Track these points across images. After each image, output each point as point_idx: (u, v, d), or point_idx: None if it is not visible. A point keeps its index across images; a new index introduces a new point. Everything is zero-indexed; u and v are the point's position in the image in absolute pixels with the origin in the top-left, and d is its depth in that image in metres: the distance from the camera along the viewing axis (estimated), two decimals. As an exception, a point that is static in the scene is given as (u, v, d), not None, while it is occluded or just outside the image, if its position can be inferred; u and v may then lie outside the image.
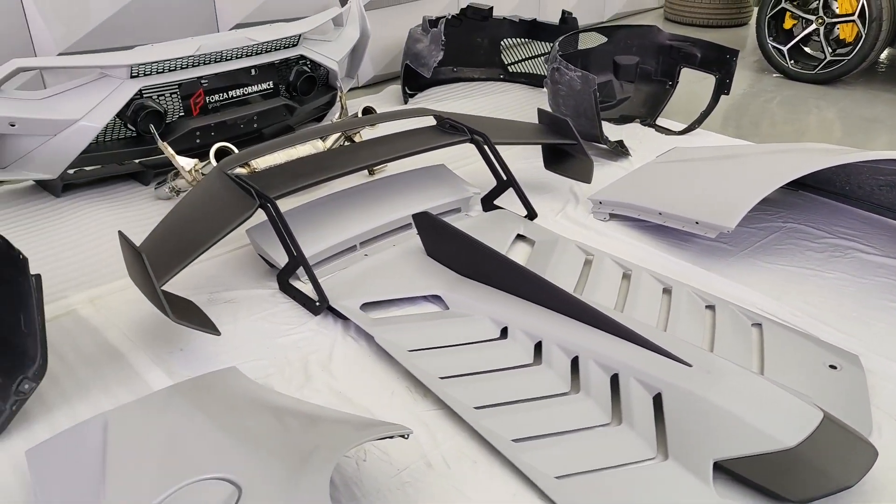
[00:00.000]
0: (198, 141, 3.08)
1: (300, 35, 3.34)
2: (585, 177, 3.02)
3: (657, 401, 1.85)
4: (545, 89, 3.67)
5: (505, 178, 2.89)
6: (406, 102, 4.25)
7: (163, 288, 2.05)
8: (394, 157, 2.75)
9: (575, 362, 2.02)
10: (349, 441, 1.44)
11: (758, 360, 2.08)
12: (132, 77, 2.86)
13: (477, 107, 4.16)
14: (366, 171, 3.22)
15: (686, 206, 2.67)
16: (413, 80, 4.30)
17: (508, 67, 4.67)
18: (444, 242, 2.47)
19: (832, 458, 1.63)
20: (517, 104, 4.27)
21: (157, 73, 2.92)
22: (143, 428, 1.49)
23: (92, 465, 1.40)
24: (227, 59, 3.12)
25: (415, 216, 2.52)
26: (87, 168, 2.97)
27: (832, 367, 2.02)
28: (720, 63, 3.70)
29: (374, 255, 2.59)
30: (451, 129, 2.92)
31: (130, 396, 1.92)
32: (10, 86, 2.77)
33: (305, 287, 2.38)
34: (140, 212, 2.93)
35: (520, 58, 4.66)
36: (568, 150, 3.11)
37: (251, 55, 3.19)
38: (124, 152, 2.98)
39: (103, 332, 2.19)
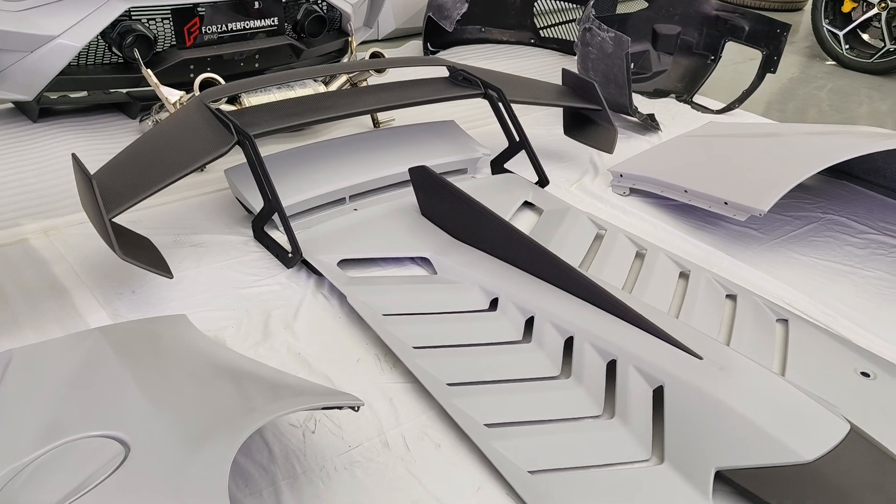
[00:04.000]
0: (192, 75, 2.85)
1: (313, -29, 3.10)
2: (607, 146, 2.74)
3: (658, 395, 1.60)
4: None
5: (518, 138, 2.63)
6: (426, 59, 3.99)
7: (118, 223, 1.85)
8: (397, 104, 2.50)
9: (569, 343, 1.77)
10: (280, 407, 1.22)
11: (780, 360, 1.81)
12: (121, -5, 2.64)
13: (501, 69, 3.87)
14: (368, 125, 2.98)
15: (715, 184, 2.39)
16: (436, 37, 4.04)
17: (540, 31, 4.37)
18: (439, 201, 2.23)
19: (857, 479, 1.37)
20: (546, 70, 3.98)
21: (150, -7, 2.69)
22: (49, 371, 1.29)
23: (-21, 408, 1.20)
24: (228, -13, 2.88)
25: (411, 170, 2.28)
26: (72, 95, 2.77)
27: (865, 374, 1.75)
28: (769, 38, 3.38)
29: (363, 209, 2.35)
30: (463, 81, 2.67)
31: (65, 337, 1.72)
32: (-10, -4, 2.56)
33: (282, 237, 2.16)
34: (122, 145, 2.70)
35: (553, 22, 4.37)
36: (591, 116, 2.84)
37: (256, -14, 2.94)
38: (109, 78, 2.76)
39: (51, 265, 2.00)
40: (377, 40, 4.30)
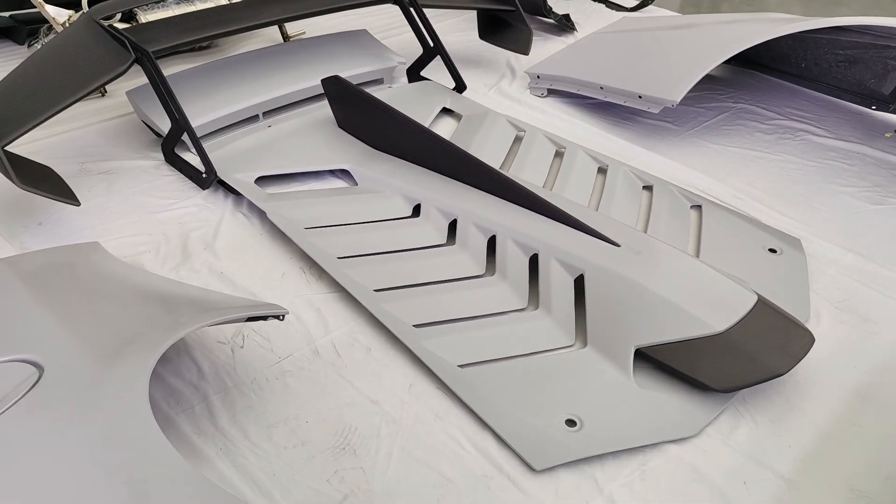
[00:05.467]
0: (81, -6, 2.67)
1: None
2: (523, 47, 2.72)
3: (579, 283, 1.65)
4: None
5: (432, 44, 2.57)
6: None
7: (13, 151, 1.75)
8: (305, 13, 2.39)
9: (492, 242, 1.79)
10: (202, 319, 1.20)
11: (694, 243, 1.89)
12: None
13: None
14: (278, 40, 2.87)
15: (629, 79, 2.41)
16: (344, -56, 3.86)
17: (451, -65, 4.23)
18: (355, 111, 2.18)
19: (764, 344, 1.46)
20: (458, -25, 3.88)
21: None
22: (-50, 305, 1.23)
23: None
24: None
25: (324, 81, 2.21)
26: (-51, 22, 2.56)
27: (772, 250, 1.84)
28: (678, -70, 3.37)
29: (278, 125, 2.29)
30: (373, -14, 2.57)
31: (-30, 275, 1.65)
32: None
33: (195, 158, 2.08)
34: (12, 74, 2.54)
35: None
36: (506, 18, 2.80)
37: None
38: (-13, 1, 2.57)
39: (-54, 203, 1.89)
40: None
